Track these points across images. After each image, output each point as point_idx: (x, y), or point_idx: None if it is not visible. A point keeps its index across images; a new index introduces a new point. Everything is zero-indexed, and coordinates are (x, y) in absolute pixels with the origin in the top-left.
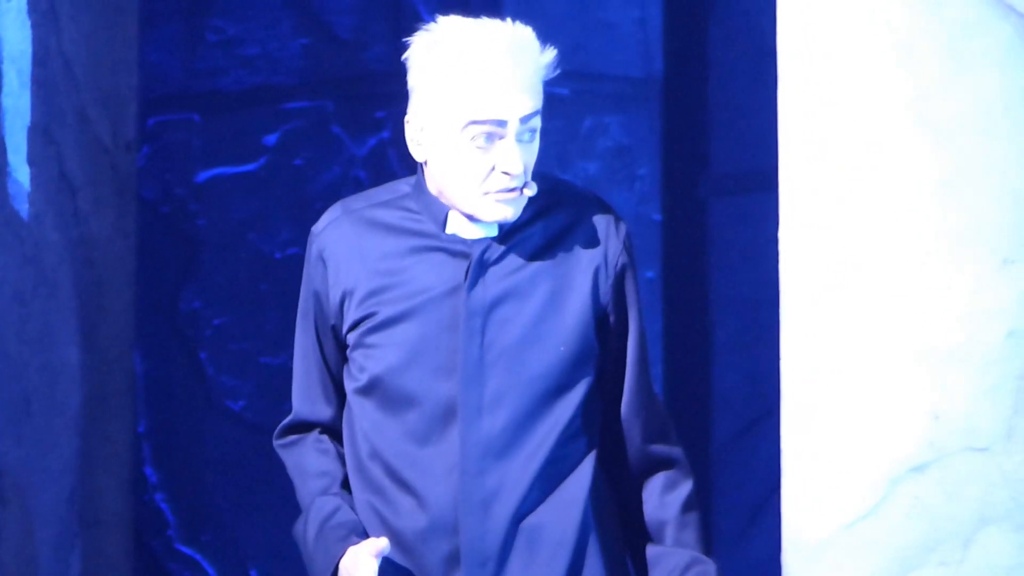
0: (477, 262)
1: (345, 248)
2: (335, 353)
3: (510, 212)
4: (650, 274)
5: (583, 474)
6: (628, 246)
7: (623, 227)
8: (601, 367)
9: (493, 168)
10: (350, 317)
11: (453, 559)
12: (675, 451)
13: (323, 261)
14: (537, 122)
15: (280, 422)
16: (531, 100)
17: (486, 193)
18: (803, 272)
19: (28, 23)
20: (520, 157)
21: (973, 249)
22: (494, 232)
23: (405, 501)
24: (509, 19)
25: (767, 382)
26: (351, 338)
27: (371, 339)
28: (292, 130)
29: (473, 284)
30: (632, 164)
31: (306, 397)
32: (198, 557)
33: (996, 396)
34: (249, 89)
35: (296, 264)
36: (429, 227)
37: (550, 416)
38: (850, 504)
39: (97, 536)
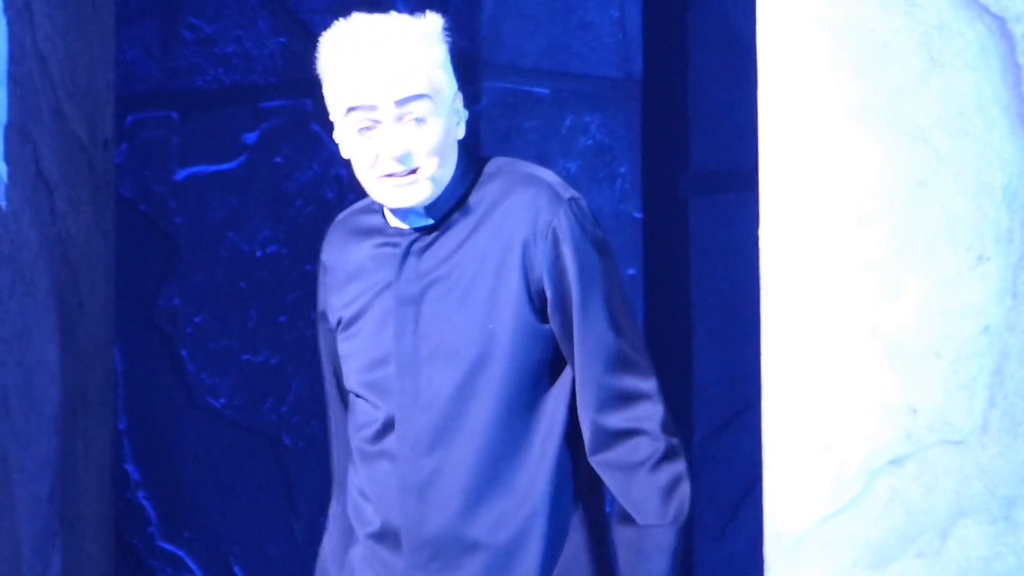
0: (404, 252)
1: (335, 257)
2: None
3: (408, 197)
4: (631, 271)
5: (536, 455)
6: (567, 217)
7: (562, 199)
8: (559, 344)
9: (378, 155)
10: (334, 324)
11: (399, 547)
12: (634, 423)
13: (325, 268)
14: (422, 107)
15: (260, 419)
16: (406, 84)
17: (380, 178)
18: (783, 269)
19: (3, 20)
20: (399, 140)
21: (949, 246)
22: (427, 221)
23: (367, 506)
24: (410, 14)
25: (747, 377)
26: (339, 346)
27: (343, 345)
28: (271, 128)
29: (400, 275)
30: (612, 163)
31: (331, 402)
32: (181, 553)
33: (972, 390)
34: (227, 87)
35: (275, 262)
36: (383, 225)
37: (487, 399)
38: (829, 497)
39: (78, 534)
